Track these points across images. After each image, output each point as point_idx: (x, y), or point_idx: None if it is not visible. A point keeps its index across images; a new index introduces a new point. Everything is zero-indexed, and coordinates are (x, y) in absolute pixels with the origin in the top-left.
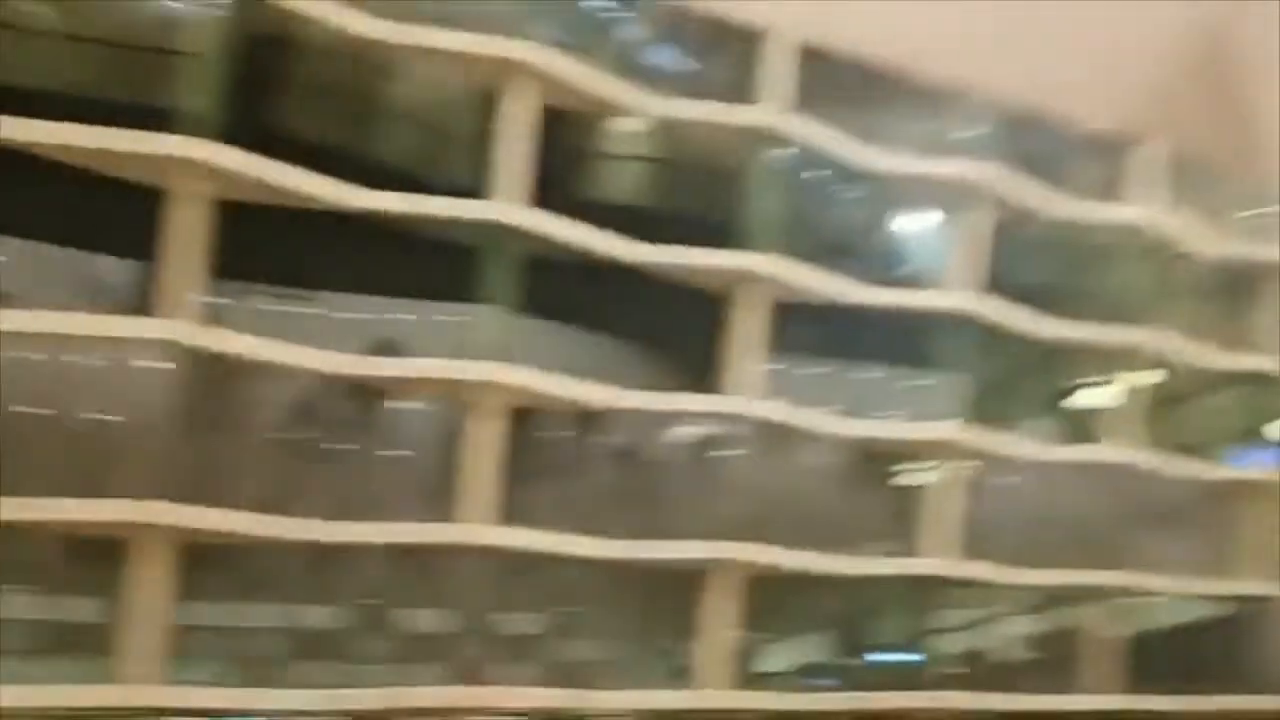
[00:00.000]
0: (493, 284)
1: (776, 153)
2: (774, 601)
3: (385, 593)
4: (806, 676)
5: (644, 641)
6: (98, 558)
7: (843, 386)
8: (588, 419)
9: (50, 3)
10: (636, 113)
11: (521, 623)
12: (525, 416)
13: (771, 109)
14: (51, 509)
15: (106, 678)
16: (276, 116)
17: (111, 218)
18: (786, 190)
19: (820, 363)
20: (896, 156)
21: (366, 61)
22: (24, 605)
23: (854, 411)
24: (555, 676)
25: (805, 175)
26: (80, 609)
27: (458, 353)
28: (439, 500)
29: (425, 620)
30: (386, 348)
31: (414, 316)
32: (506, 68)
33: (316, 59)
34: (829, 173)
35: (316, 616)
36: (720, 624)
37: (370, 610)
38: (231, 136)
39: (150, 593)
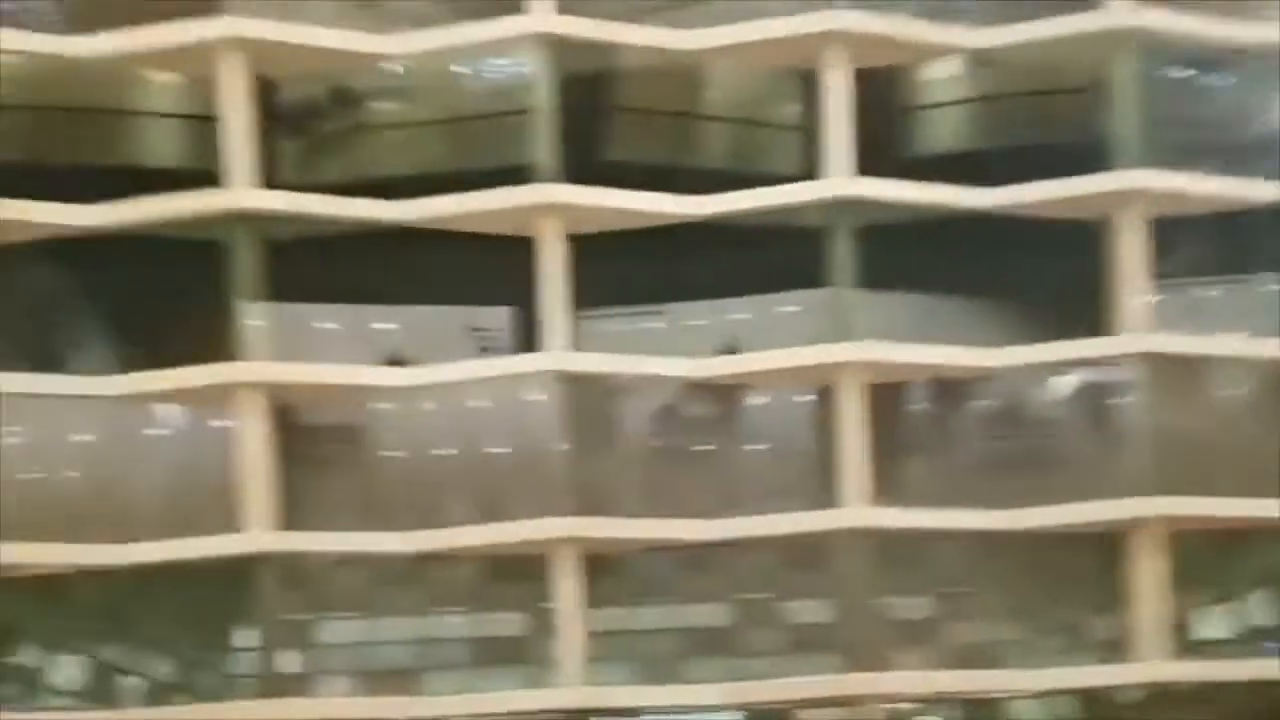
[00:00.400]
0: (833, 264)
1: (1130, 55)
2: (1207, 560)
3: (771, 586)
4: (1254, 642)
5: (1048, 616)
6: (516, 576)
7: (1242, 305)
8: (955, 386)
9: (396, 101)
10: (960, 51)
11: (912, 607)
12: (889, 392)
13: (1124, 7)
14: (475, 536)
15: (539, 683)
16: (608, 145)
17: (480, 271)
18: (1150, 94)
19: (1211, 282)
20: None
21: (677, 73)
22: (459, 625)
23: (1262, 332)
24: (955, 659)
25: (1167, 73)
26: (506, 624)
27: (810, 339)
28: (810, 489)
29: (813, 610)
30: (733, 347)
31: (755, 313)
32: (822, 41)
33: (633, 83)
34: (1192, 68)
35: (706, 614)
36: (1148, 589)
37: (758, 604)
38: (574, 173)
39: (567, 602)
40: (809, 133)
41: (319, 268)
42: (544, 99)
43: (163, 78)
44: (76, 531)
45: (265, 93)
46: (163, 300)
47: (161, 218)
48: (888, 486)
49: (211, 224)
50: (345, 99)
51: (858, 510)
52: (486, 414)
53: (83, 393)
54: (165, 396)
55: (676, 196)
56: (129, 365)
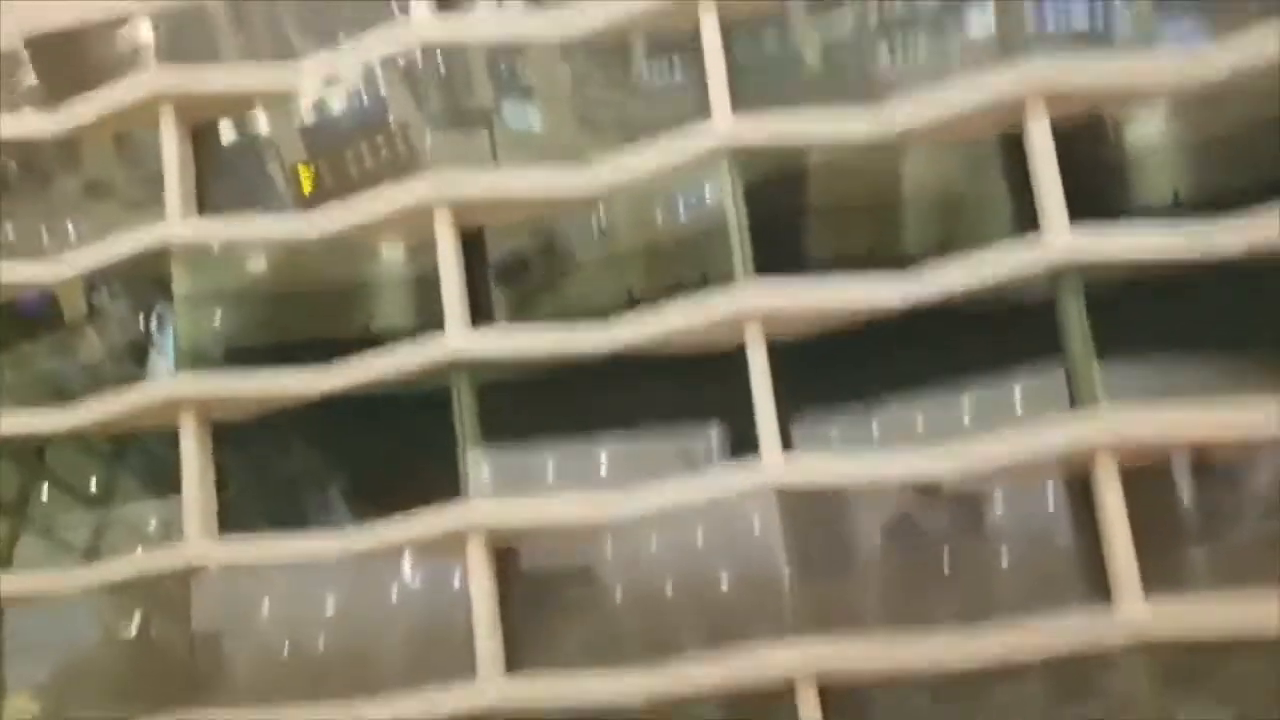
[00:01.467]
0: (1067, 333)
1: None
2: None
3: (1037, 714)
4: None
5: None
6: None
7: None
8: (1215, 459)
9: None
10: (1170, 89)
11: None
12: (1144, 474)
13: None
14: (708, 670)
15: None
16: (805, 245)
17: (690, 398)
18: None
19: None
20: None
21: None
22: None
23: None
24: None
25: None
26: None
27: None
28: (1071, 597)
29: None
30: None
31: (981, 402)
32: (1027, 92)
33: (825, 176)
34: None
35: None
36: None
37: None
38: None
39: None
40: (1017, 196)
41: (534, 412)
42: (734, 208)
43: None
44: (315, 690)
45: (477, 248)
46: (391, 459)
47: (386, 375)
48: (1158, 585)
49: (433, 374)
50: (549, 247)
51: (1136, 609)
52: (711, 542)
53: (314, 553)
54: (394, 549)
55: (884, 283)
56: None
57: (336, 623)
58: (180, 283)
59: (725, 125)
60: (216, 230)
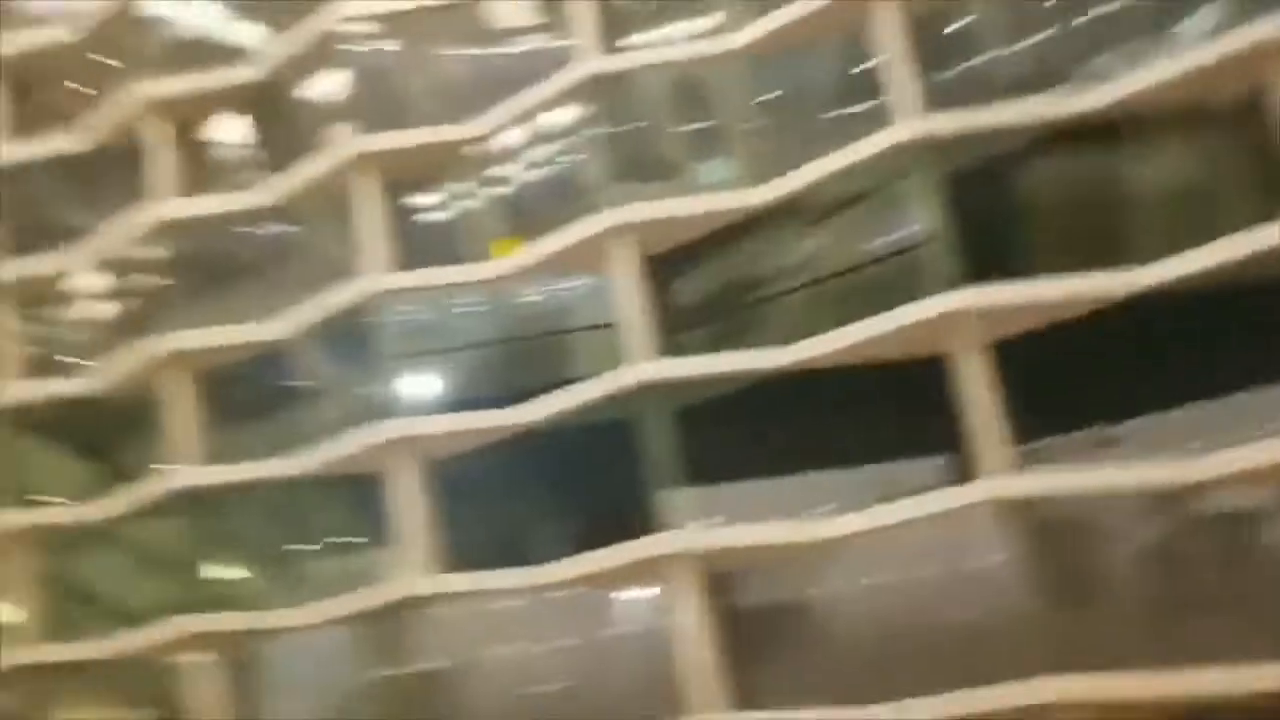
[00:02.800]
0: None
1: None
2: None
3: None
4: None
5: None
6: None
7: None
8: None
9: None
10: None
11: None
12: None
13: None
14: (956, 706)
15: None
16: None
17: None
18: None
19: None
20: None
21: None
22: None
23: None
24: None
25: None
26: None
27: None
28: None
29: None
30: None
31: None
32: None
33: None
34: None
35: None
36: None
37: None
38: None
39: None
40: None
41: (738, 445)
42: (932, 211)
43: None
44: None
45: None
46: (598, 496)
47: (580, 404)
48: None
49: (622, 403)
50: (744, 284)
51: None
52: (938, 568)
53: (526, 583)
54: (601, 580)
55: (1102, 277)
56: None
57: (556, 660)
58: (387, 338)
59: (913, 119)
60: (418, 280)
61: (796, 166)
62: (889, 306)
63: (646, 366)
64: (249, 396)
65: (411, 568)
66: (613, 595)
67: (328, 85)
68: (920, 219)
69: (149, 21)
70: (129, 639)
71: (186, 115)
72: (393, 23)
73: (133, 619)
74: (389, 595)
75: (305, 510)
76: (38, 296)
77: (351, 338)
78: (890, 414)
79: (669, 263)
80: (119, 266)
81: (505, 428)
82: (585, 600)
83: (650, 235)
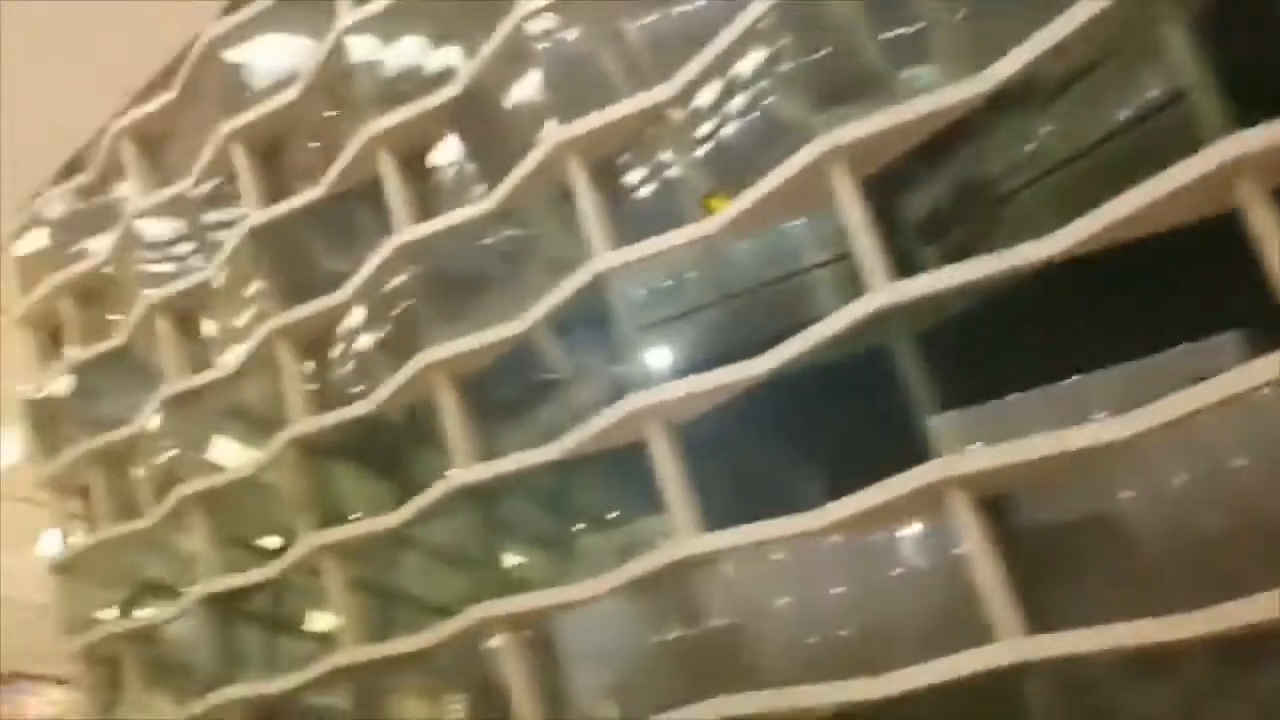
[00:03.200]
0: None
1: None
2: None
3: None
4: None
5: None
6: None
7: None
8: None
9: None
10: None
11: None
12: None
13: None
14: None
15: None
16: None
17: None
18: None
19: None
20: None
21: None
22: None
23: None
24: None
25: None
26: None
27: None
28: None
29: None
30: None
31: None
32: None
33: None
34: None
35: None
36: None
37: None
38: None
39: None
40: None
41: (992, 361)
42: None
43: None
44: (833, 670)
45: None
46: (850, 437)
47: (822, 340)
48: None
49: (866, 334)
50: (972, 188)
51: None
52: (1246, 461)
53: (791, 532)
54: (874, 518)
55: None
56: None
57: (838, 606)
58: (623, 314)
59: None
60: (641, 251)
61: (1005, 53)
62: (1142, 179)
63: (884, 291)
64: (509, 394)
65: (681, 531)
66: (883, 535)
67: (526, 86)
68: (1170, 74)
69: (359, 67)
70: (437, 631)
71: (409, 144)
72: (571, 9)
73: (438, 613)
74: (664, 559)
75: (575, 490)
76: (314, 336)
77: (591, 320)
78: (1160, 296)
79: (891, 181)
80: (376, 296)
81: (748, 379)
82: (858, 544)
83: (864, 155)
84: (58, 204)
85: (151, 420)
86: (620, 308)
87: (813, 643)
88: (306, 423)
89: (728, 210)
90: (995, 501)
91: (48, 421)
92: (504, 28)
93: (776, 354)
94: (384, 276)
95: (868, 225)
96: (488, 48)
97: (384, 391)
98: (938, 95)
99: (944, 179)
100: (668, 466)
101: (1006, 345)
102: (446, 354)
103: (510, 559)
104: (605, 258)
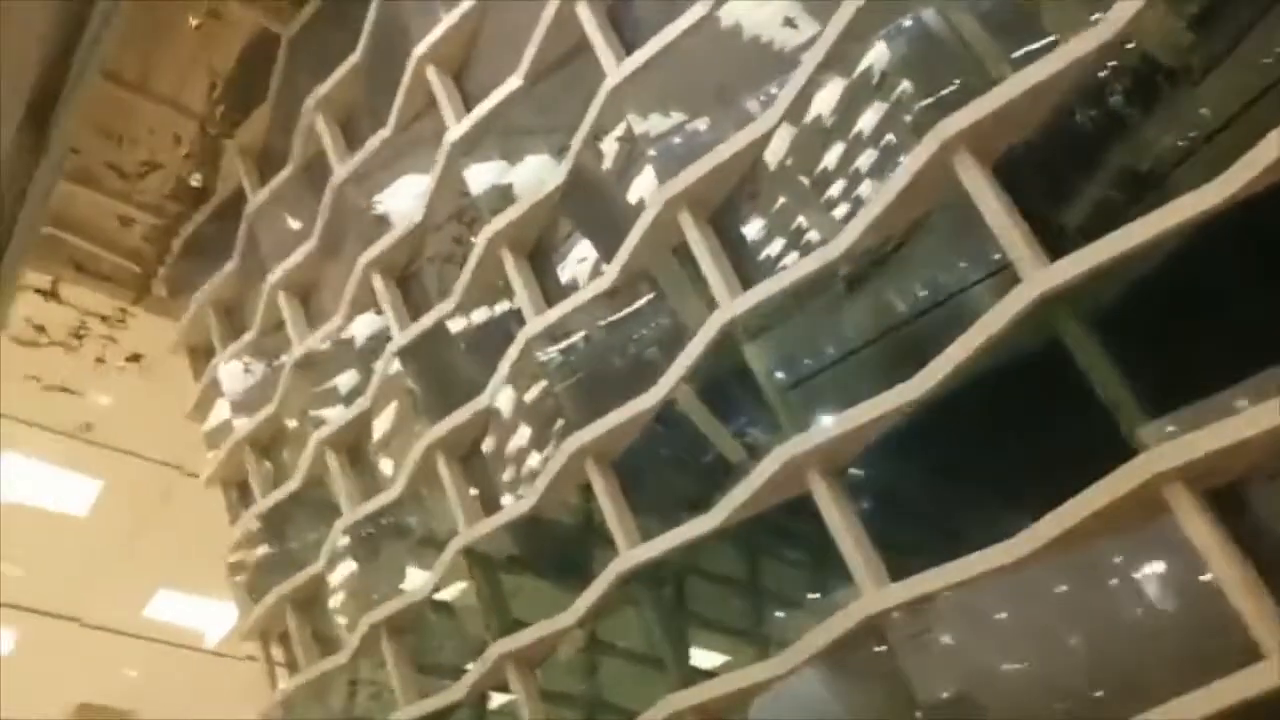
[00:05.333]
0: None
1: None
2: None
3: None
4: None
5: None
6: None
7: None
8: None
9: None
10: None
11: None
12: None
13: None
14: None
15: None
16: None
17: None
18: None
19: None
20: None
21: None
22: None
23: None
24: None
25: None
26: None
27: None
28: None
29: None
30: None
31: None
32: None
33: None
34: None
35: None
36: None
37: None
38: None
39: None
40: None
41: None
42: None
43: None
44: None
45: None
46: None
47: (982, 345)
48: None
49: (1031, 325)
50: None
51: None
52: None
53: (994, 565)
54: (1086, 531)
55: None
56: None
57: (1068, 657)
58: (764, 365)
59: None
60: (766, 290)
61: None
62: None
63: (1041, 275)
64: (677, 483)
65: (866, 584)
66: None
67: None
68: None
69: (475, 181)
70: None
71: (528, 238)
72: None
73: (631, 711)
74: (852, 619)
75: (767, 573)
76: (468, 445)
77: (729, 377)
78: None
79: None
80: (521, 394)
81: (907, 403)
82: (1079, 585)
83: (987, 138)
84: (231, 369)
85: (333, 554)
86: (760, 363)
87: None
88: (473, 530)
89: (852, 226)
90: (1227, 494)
91: (250, 576)
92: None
93: (935, 369)
94: (522, 373)
95: (1009, 210)
96: (583, 130)
97: (540, 484)
98: (1052, 57)
99: (1078, 160)
100: (837, 516)
101: (1199, 336)
102: (592, 436)
103: (706, 657)
104: (731, 306)
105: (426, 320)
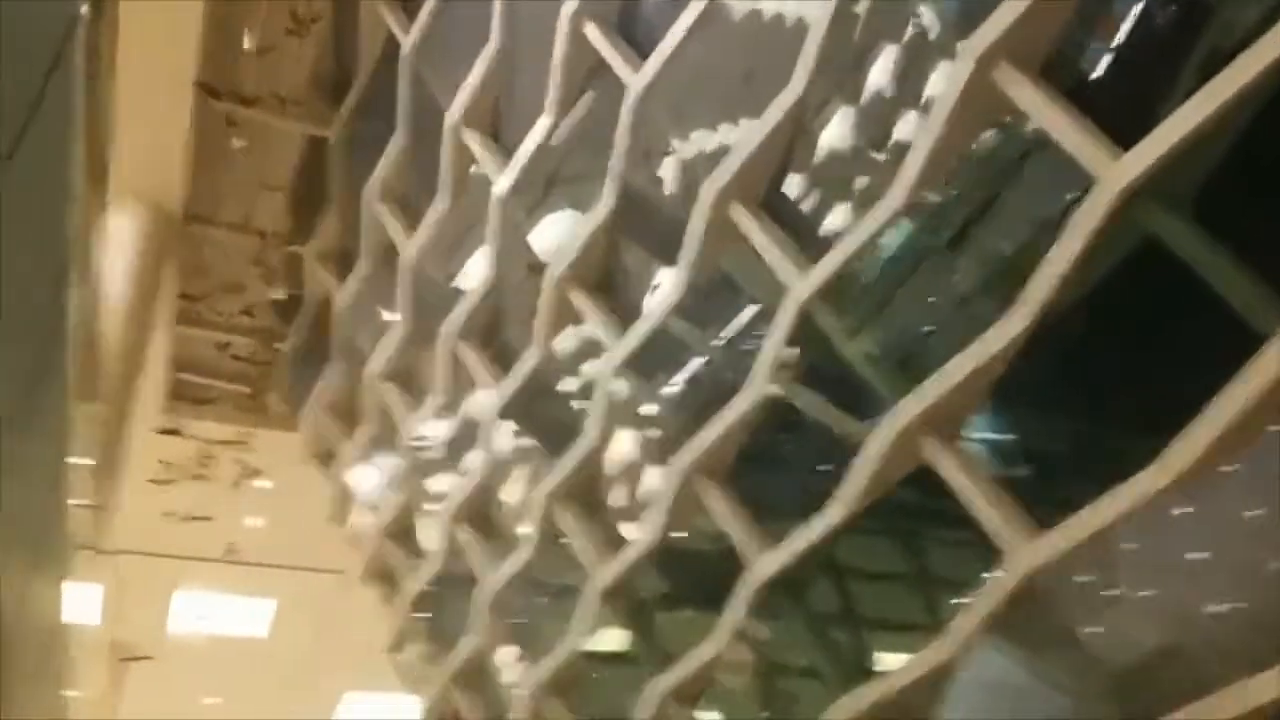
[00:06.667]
0: None
1: None
2: None
3: None
4: None
5: None
6: None
7: None
8: None
9: None
10: None
11: None
12: None
13: None
14: None
15: None
16: None
17: None
18: None
19: None
20: None
21: None
22: None
23: None
24: None
25: None
26: None
27: None
28: None
29: None
30: None
31: None
32: None
33: None
34: None
35: None
36: None
37: None
38: None
39: None
40: None
41: None
42: None
43: None
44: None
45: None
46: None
47: (1073, 260)
48: None
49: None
50: None
51: None
52: None
53: (1137, 499)
54: (1225, 450)
55: None
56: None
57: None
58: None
59: None
60: (836, 260)
61: None
62: None
63: (1113, 169)
64: (792, 476)
65: (1012, 542)
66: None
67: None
68: None
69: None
70: None
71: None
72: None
73: None
74: (1007, 581)
75: (910, 556)
76: (583, 487)
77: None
78: None
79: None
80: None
81: (1012, 339)
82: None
83: (1024, 43)
84: (355, 467)
85: (484, 624)
86: (868, 345)
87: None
88: (605, 572)
89: (908, 165)
90: None
91: (415, 665)
92: None
93: (1030, 296)
94: (617, 406)
95: (1066, 112)
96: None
97: (658, 512)
98: None
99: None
100: (962, 476)
101: None
102: (697, 451)
103: (896, 661)
104: (802, 284)
105: (516, 376)
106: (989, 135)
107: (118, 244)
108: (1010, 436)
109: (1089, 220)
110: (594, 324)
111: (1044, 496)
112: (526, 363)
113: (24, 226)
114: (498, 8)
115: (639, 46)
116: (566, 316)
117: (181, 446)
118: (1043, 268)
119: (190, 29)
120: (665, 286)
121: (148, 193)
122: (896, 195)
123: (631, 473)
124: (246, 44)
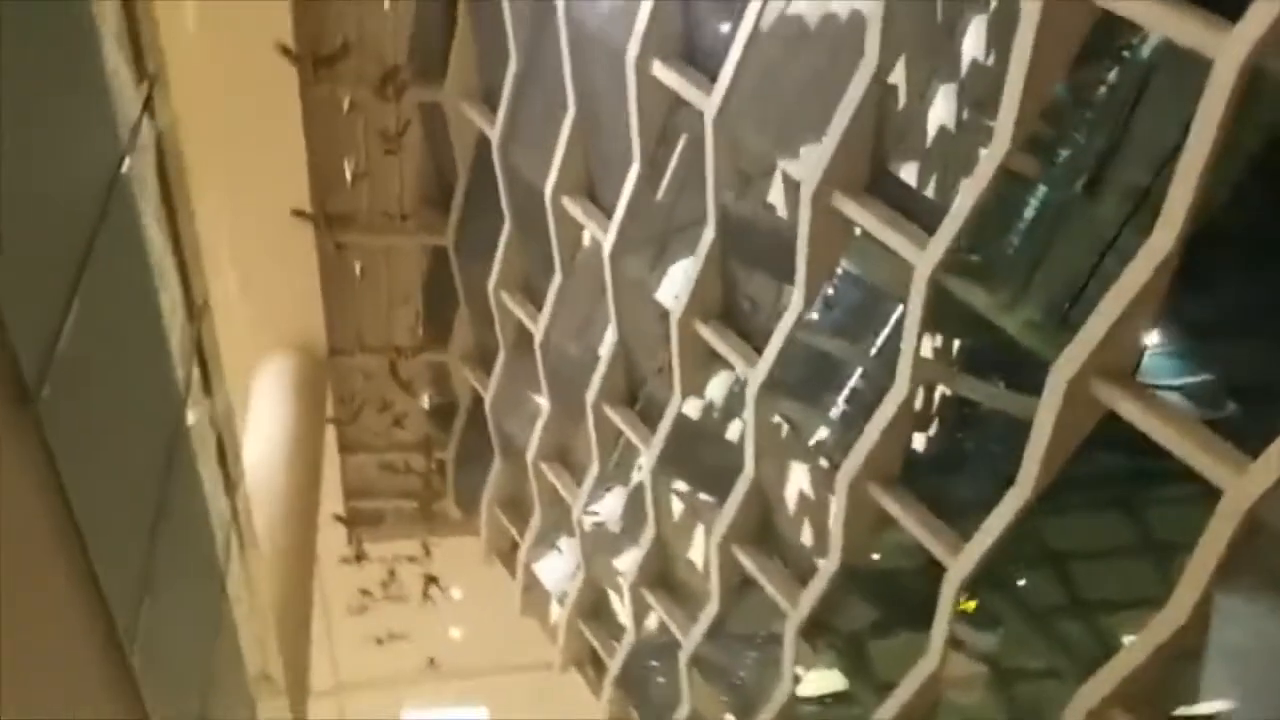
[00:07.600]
0: None
1: None
2: None
3: None
4: None
5: None
6: None
7: None
8: None
9: None
10: None
11: None
12: None
13: None
14: None
15: None
16: None
17: None
18: None
19: None
20: None
21: None
22: None
23: None
24: None
25: None
26: None
27: None
28: None
29: None
30: None
31: None
32: None
33: None
34: None
35: None
36: None
37: None
38: None
39: None
40: None
41: None
42: None
43: None
44: None
45: None
46: None
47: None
48: None
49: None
50: None
51: None
52: None
53: None
54: None
55: None
56: None
57: None
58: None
59: None
60: (954, 225)
61: None
62: None
63: (1227, 41)
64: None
65: (1223, 478)
66: None
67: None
68: None
69: None
70: None
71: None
72: None
73: None
74: (1227, 522)
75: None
76: (753, 525)
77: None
78: None
79: None
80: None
81: (1162, 258)
82: None
83: None
84: (538, 556)
85: (691, 689)
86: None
87: None
88: (799, 609)
89: (1005, 103)
90: None
91: None
92: None
93: (1172, 209)
94: (767, 430)
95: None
96: None
97: (836, 533)
98: None
99: None
100: (1152, 416)
101: None
102: (860, 457)
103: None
104: (926, 257)
105: (664, 427)
106: (1101, 70)
107: (272, 398)
108: (1209, 377)
109: (1214, 108)
110: (727, 354)
111: (1254, 431)
112: (670, 412)
113: None
114: (568, 75)
115: (710, 72)
116: (702, 357)
117: (370, 572)
118: (1179, 177)
119: (298, 166)
120: (791, 299)
121: (292, 338)
122: (1002, 139)
123: (815, 505)
124: (348, 172)
